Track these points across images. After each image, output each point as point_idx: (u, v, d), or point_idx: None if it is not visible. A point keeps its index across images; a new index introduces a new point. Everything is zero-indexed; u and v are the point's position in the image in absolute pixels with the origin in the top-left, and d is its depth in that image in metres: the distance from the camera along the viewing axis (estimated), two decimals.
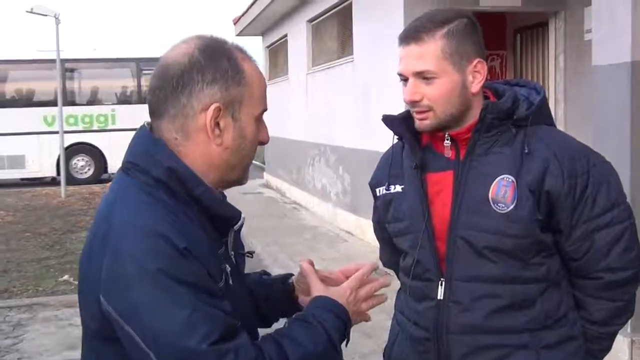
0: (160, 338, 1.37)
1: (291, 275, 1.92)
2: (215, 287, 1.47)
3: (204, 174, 1.54)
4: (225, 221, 1.58)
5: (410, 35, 1.98)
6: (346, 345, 1.63)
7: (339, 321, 1.60)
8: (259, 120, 1.61)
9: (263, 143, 1.65)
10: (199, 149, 1.54)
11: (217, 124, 1.53)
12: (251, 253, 1.78)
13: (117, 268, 1.40)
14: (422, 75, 1.96)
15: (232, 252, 1.64)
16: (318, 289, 1.68)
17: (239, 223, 1.59)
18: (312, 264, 1.80)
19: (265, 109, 1.63)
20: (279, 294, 1.87)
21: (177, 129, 1.53)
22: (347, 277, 1.77)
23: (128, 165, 1.55)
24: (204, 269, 1.44)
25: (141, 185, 1.51)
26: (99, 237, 1.49)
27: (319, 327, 1.55)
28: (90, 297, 1.47)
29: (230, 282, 1.54)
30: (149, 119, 1.62)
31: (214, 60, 1.53)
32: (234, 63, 1.55)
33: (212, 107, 1.52)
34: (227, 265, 1.56)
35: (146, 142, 1.55)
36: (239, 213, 1.59)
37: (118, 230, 1.44)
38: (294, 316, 1.62)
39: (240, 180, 1.65)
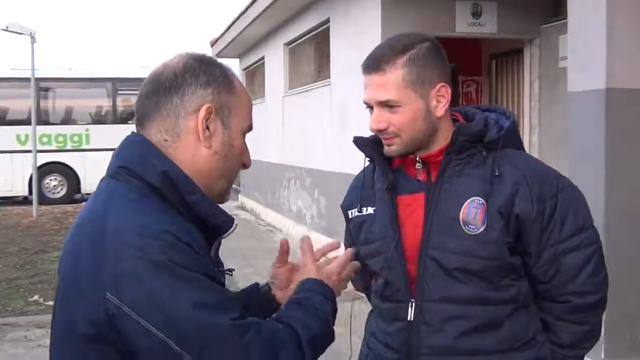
0: (179, 321, 1.37)
1: (258, 283, 1.95)
2: (223, 280, 1.51)
3: (194, 179, 1.54)
4: (214, 230, 1.57)
5: (371, 65, 1.99)
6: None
7: (331, 304, 1.67)
8: (244, 137, 1.64)
9: (245, 166, 1.67)
10: (189, 151, 1.56)
11: (208, 127, 1.56)
12: (231, 270, 1.76)
13: (126, 265, 1.39)
14: (385, 104, 1.97)
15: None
16: (312, 270, 1.76)
17: (230, 230, 1.59)
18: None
19: (251, 127, 1.66)
20: (257, 302, 1.88)
21: (168, 129, 1.55)
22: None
23: (120, 170, 1.54)
24: (206, 263, 1.47)
25: (133, 189, 1.50)
26: (87, 241, 1.47)
27: (316, 310, 1.60)
28: (86, 302, 1.44)
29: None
30: (123, 138, 1.62)
31: (207, 66, 1.59)
32: (225, 73, 1.61)
33: (205, 107, 1.55)
34: None
35: (141, 146, 1.56)
36: (232, 220, 1.59)
37: (118, 231, 1.43)
38: (289, 300, 1.66)
39: (223, 194, 1.66)
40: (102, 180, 1.59)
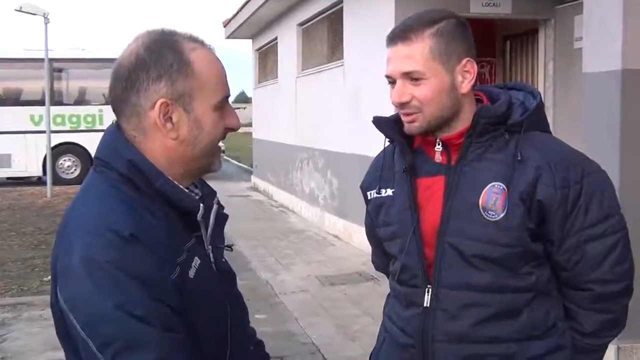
0: (101, 325, 1.38)
1: None
2: (165, 279, 1.46)
3: (167, 168, 1.56)
4: (189, 213, 1.58)
5: (398, 35, 1.94)
6: None
7: None
8: (220, 109, 1.59)
9: (233, 129, 1.65)
10: (157, 144, 1.56)
11: (170, 119, 1.54)
12: (230, 246, 1.77)
13: (68, 260, 1.42)
14: (410, 76, 1.92)
15: (209, 247, 1.64)
16: None
17: (200, 214, 1.58)
18: None
19: (227, 96, 1.61)
20: None
21: (134, 127, 1.56)
22: None
23: (96, 161, 1.59)
24: (153, 258, 1.44)
25: (106, 179, 1.54)
26: (59, 232, 1.53)
27: None
28: (52, 291, 1.50)
29: (192, 274, 1.53)
30: None
31: (158, 56, 1.53)
32: (180, 56, 1.54)
33: (158, 103, 1.52)
34: (197, 258, 1.56)
35: (111, 137, 1.58)
36: (198, 204, 1.59)
37: (72, 224, 1.49)
38: None
39: (209, 168, 1.65)
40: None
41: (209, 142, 1.60)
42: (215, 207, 1.63)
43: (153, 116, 1.53)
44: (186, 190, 1.60)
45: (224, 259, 1.72)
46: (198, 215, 1.58)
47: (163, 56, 1.52)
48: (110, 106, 1.61)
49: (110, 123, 1.63)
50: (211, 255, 1.64)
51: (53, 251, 1.53)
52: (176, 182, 1.56)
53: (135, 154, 1.53)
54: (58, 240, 1.51)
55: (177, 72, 1.52)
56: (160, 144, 1.55)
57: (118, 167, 1.53)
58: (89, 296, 1.38)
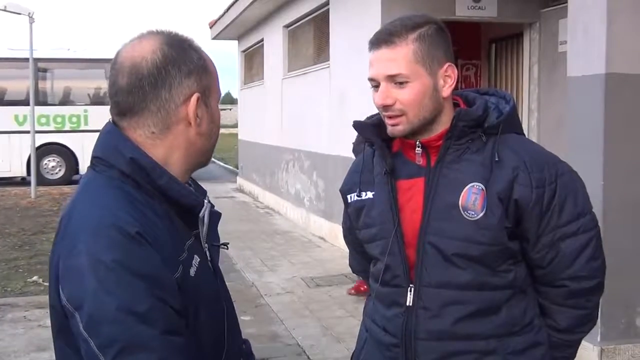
0: (104, 325, 1.37)
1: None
2: (169, 279, 1.46)
3: (179, 162, 1.58)
4: (190, 211, 1.59)
5: (382, 39, 1.98)
6: None
7: None
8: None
9: None
10: (178, 139, 1.57)
11: (196, 113, 1.57)
12: (226, 244, 1.79)
13: (74, 260, 1.41)
14: (394, 79, 1.96)
15: (206, 245, 1.65)
16: None
17: (203, 211, 1.60)
18: None
19: (220, 94, 1.69)
20: None
21: (157, 122, 1.55)
22: None
23: (95, 160, 1.57)
24: (158, 256, 1.44)
25: (106, 178, 1.53)
26: (60, 232, 1.52)
27: None
28: (51, 291, 1.49)
29: (192, 273, 1.53)
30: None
31: (185, 53, 1.58)
32: (199, 54, 1.60)
33: (194, 97, 1.56)
34: (196, 256, 1.57)
35: (110, 136, 1.57)
36: (202, 201, 1.61)
37: (76, 224, 1.47)
38: None
39: (207, 162, 1.70)
40: (87, 168, 1.62)
41: (217, 136, 1.67)
42: (208, 205, 1.64)
43: (184, 110, 1.55)
44: (190, 188, 1.62)
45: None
46: (201, 213, 1.60)
47: (188, 53, 1.58)
48: (104, 107, 1.61)
49: (107, 122, 1.62)
50: (207, 253, 1.66)
51: (52, 253, 1.52)
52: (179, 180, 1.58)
53: (137, 152, 1.53)
54: (59, 242, 1.49)
55: (202, 69, 1.59)
56: (182, 138, 1.57)
57: (119, 166, 1.52)
58: (94, 295, 1.37)
